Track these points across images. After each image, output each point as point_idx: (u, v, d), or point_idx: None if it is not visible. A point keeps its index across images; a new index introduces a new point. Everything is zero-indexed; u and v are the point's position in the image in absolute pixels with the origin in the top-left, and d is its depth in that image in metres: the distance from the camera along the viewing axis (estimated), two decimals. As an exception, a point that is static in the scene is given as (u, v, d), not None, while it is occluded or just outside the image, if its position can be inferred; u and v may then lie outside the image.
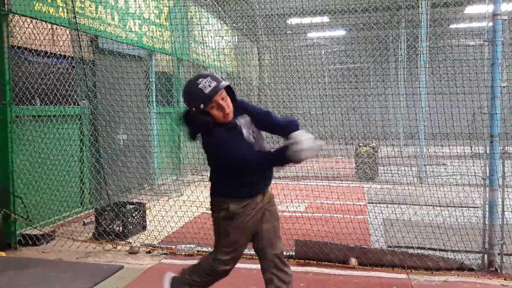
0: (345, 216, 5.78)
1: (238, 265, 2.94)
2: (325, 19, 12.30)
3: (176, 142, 8.86)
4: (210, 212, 2.84)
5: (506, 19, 4.04)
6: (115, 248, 4.97)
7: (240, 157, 2.57)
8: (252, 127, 2.71)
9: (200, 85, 2.51)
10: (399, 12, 12.41)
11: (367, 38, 13.08)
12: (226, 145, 2.57)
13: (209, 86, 2.50)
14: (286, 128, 2.62)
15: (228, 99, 2.61)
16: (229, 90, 2.64)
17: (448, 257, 4.25)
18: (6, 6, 4.96)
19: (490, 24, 4.08)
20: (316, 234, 4.95)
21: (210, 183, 2.85)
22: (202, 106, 2.52)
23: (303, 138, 2.48)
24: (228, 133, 2.59)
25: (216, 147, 2.61)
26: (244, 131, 2.65)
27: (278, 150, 2.61)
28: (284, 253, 3.88)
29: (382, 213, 5.63)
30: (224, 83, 2.57)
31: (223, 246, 2.77)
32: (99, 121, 5.97)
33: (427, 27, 8.73)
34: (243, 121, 2.69)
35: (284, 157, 2.53)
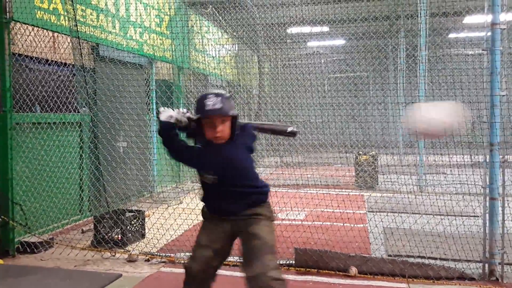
0: (345, 224, 5.76)
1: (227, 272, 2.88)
2: (325, 28, 12.37)
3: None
4: None
5: (504, 29, 4.06)
6: (114, 256, 4.94)
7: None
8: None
9: (206, 100, 2.59)
10: (398, 22, 12.49)
11: (367, 47, 13.16)
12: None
13: (213, 105, 2.56)
14: None
15: (227, 128, 2.63)
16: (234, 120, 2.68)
17: (449, 266, 4.23)
18: (7, 14, 4.98)
19: (489, 33, 4.11)
20: (316, 243, 4.93)
21: None
22: (197, 116, 2.65)
23: None
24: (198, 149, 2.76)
25: None
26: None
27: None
28: (282, 262, 3.82)
29: (382, 221, 5.61)
30: (228, 112, 2.60)
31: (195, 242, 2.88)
32: (99, 129, 5.97)
33: (426, 36, 8.78)
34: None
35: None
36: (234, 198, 2.73)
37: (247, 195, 2.75)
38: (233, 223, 2.74)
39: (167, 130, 2.76)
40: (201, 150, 2.75)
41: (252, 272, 2.54)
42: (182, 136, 2.86)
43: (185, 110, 2.76)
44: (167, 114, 2.73)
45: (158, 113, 2.79)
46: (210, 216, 2.82)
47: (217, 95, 2.61)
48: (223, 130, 2.62)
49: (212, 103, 2.56)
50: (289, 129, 2.91)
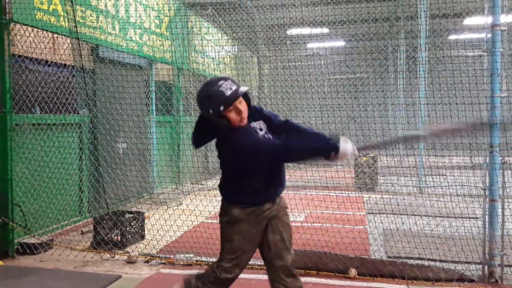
0: (344, 226, 5.76)
1: (247, 275, 2.91)
2: (325, 29, 12.37)
3: (176, 151, 8.85)
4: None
5: (505, 30, 4.06)
6: (113, 257, 4.94)
7: (267, 146, 2.57)
8: (268, 133, 2.71)
9: (222, 87, 2.48)
10: (399, 23, 12.50)
11: (367, 49, 13.16)
12: (250, 139, 2.56)
13: (230, 89, 2.49)
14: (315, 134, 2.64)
15: (245, 104, 2.60)
16: (245, 95, 2.63)
17: (448, 268, 4.23)
18: (7, 15, 4.99)
19: (489, 35, 4.11)
20: (315, 244, 4.92)
21: (219, 190, 2.86)
22: (222, 108, 2.49)
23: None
24: (247, 132, 2.60)
25: (235, 151, 2.60)
26: (260, 134, 2.66)
27: (320, 138, 2.57)
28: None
29: (382, 223, 5.60)
30: (243, 88, 2.55)
31: (226, 252, 2.75)
32: (98, 130, 5.97)
33: (426, 37, 8.78)
34: (258, 126, 2.70)
35: (327, 146, 2.49)
36: (280, 176, 2.77)
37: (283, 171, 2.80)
38: (273, 209, 2.74)
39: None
40: (259, 136, 2.65)
41: (283, 262, 2.71)
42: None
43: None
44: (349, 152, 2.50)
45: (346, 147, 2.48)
46: (246, 217, 2.68)
47: (224, 79, 2.54)
48: (245, 108, 2.59)
49: (228, 87, 2.49)
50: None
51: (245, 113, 2.58)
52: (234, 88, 2.50)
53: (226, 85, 2.49)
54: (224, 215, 2.76)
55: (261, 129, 2.70)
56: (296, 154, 2.63)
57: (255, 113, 2.73)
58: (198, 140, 2.76)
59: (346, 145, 2.47)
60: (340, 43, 14.80)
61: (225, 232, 2.76)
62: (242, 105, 2.56)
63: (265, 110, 2.81)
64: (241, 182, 2.67)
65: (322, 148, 2.52)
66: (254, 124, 2.69)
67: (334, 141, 2.49)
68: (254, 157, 2.54)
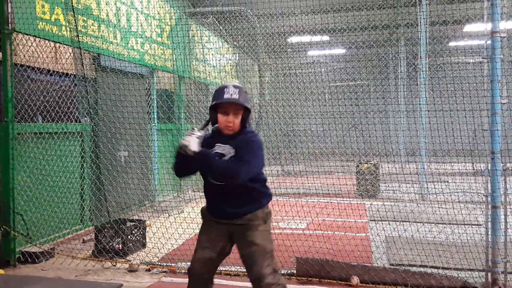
0: (346, 233, 5.74)
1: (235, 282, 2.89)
2: (325, 37, 12.43)
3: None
4: None
5: (504, 37, 4.08)
6: (115, 266, 4.92)
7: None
8: (227, 157, 2.75)
9: (226, 88, 2.70)
10: (398, 30, 12.55)
11: (367, 56, 13.21)
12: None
13: (231, 95, 2.68)
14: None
15: (238, 120, 2.71)
16: (246, 114, 2.74)
17: (451, 275, 4.20)
18: (10, 25, 5.02)
19: (489, 41, 4.12)
20: (317, 252, 4.90)
21: None
22: (214, 103, 2.72)
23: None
24: (208, 137, 2.79)
25: None
26: (213, 150, 2.74)
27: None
28: (284, 271, 3.85)
29: (384, 230, 5.58)
30: (245, 103, 2.69)
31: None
32: (100, 138, 5.99)
33: (426, 44, 8.81)
34: (224, 149, 2.74)
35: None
36: (236, 199, 2.76)
37: (245, 199, 2.77)
38: (230, 227, 2.80)
39: (207, 157, 2.68)
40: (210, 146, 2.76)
41: (251, 276, 2.75)
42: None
43: (197, 129, 2.73)
44: (196, 143, 2.67)
45: (183, 147, 2.66)
46: (209, 218, 2.87)
47: (235, 86, 2.72)
48: (235, 121, 2.71)
49: (231, 91, 2.68)
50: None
51: (231, 125, 2.70)
52: (234, 96, 2.67)
53: (231, 90, 2.70)
54: (201, 209, 3.00)
55: (222, 152, 2.73)
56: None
57: (243, 138, 2.75)
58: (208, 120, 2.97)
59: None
60: (341, 50, 14.86)
61: None
62: (233, 117, 2.69)
63: (251, 141, 2.76)
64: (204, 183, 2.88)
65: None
66: (221, 146, 2.74)
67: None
68: None
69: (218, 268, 2.96)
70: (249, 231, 2.76)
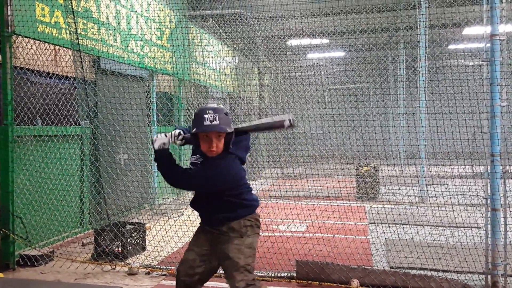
0: (346, 236, 5.73)
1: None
2: (325, 40, 12.45)
3: (177, 162, 8.85)
4: None
5: (504, 40, 4.08)
6: (114, 269, 4.91)
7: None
8: None
9: (206, 115, 2.61)
10: (398, 33, 12.57)
11: (366, 59, 13.23)
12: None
13: (211, 121, 2.59)
14: None
15: (221, 144, 2.68)
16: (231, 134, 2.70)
17: (451, 278, 4.20)
18: (9, 28, 5.03)
19: (488, 44, 4.13)
20: (317, 255, 4.90)
21: None
22: (194, 130, 2.67)
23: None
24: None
25: None
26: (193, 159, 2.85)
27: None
28: (284, 274, 3.86)
29: (384, 233, 5.58)
30: (226, 128, 2.61)
31: None
32: (100, 141, 5.98)
33: (425, 47, 8.82)
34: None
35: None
36: (219, 208, 2.80)
37: (232, 207, 2.81)
38: (211, 235, 2.86)
39: (161, 158, 2.78)
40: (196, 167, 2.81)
41: (231, 285, 2.76)
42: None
43: (177, 132, 2.75)
44: (160, 142, 2.75)
45: (152, 141, 2.81)
46: (201, 223, 2.97)
47: (215, 111, 2.62)
48: (218, 145, 2.67)
49: (210, 119, 2.59)
50: (286, 123, 2.77)
51: (215, 149, 2.65)
52: (215, 122, 2.59)
53: (211, 115, 2.60)
54: None
55: (196, 162, 2.83)
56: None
57: (238, 149, 2.79)
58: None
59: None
60: (340, 53, 14.88)
61: None
62: (216, 141, 2.64)
63: (217, 163, 2.74)
64: None
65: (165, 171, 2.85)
66: (199, 157, 2.81)
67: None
68: None
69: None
70: (225, 244, 2.79)
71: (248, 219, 2.83)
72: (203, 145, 2.69)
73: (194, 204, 2.93)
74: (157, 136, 2.78)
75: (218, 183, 2.70)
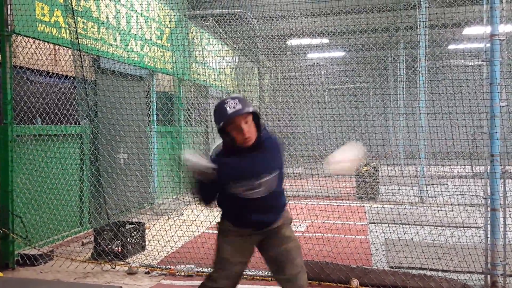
0: (346, 236, 5.73)
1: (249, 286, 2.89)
2: (325, 40, 12.45)
3: (177, 161, 8.85)
4: None
5: (504, 40, 4.08)
6: (114, 268, 4.91)
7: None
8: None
9: (226, 104, 2.55)
10: (398, 33, 12.57)
11: (366, 59, 13.22)
12: (224, 164, 2.60)
13: (234, 107, 2.53)
14: None
15: (252, 126, 2.59)
16: (256, 117, 2.63)
17: (451, 278, 4.20)
18: (9, 27, 5.03)
19: (488, 44, 4.13)
20: (317, 254, 4.90)
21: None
22: (221, 124, 2.55)
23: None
24: (234, 157, 2.62)
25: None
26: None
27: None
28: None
29: (383, 232, 5.58)
30: (250, 108, 2.56)
31: (214, 261, 2.80)
32: (99, 140, 5.98)
33: (425, 47, 8.82)
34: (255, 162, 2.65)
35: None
36: (268, 208, 2.71)
37: (278, 204, 2.77)
38: (260, 236, 2.75)
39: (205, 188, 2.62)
40: (232, 161, 2.62)
41: (286, 273, 2.69)
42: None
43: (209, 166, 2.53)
44: (199, 165, 2.51)
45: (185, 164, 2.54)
46: (235, 231, 2.74)
47: (233, 98, 2.59)
48: (250, 130, 2.57)
49: (232, 105, 2.54)
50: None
51: (248, 134, 2.55)
52: (238, 107, 2.53)
53: (231, 103, 2.54)
54: (218, 224, 2.85)
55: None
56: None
57: (269, 142, 2.69)
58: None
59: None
60: (340, 53, 14.88)
61: (217, 241, 2.82)
62: (247, 126, 2.55)
63: (280, 147, 2.76)
64: (222, 197, 2.74)
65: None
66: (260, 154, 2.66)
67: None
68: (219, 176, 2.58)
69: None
70: (282, 229, 2.76)
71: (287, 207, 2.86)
72: (237, 136, 2.55)
73: (234, 216, 2.73)
74: (191, 159, 2.53)
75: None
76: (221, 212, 2.82)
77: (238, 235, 2.74)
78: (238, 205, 2.69)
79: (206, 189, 2.64)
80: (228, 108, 2.53)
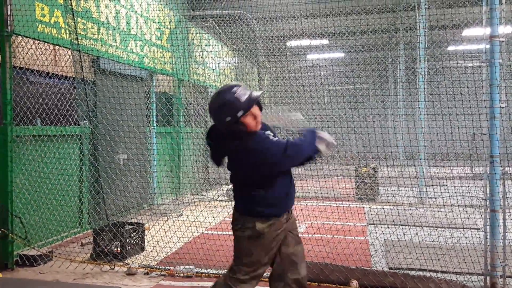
0: (346, 237, 5.73)
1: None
2: (324, 41, 12.46)
3: (176, 162, 8.85)
4: (232, 230, 2.81)
5: (503, 41, 4.09)
6: (113, 269, 4.91)
7: (280, 150, 2.57)
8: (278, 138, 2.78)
9: (236, 94, 2.53)
10: (398, 34, 12.58)
11: (366, 60, 13.24)
12: (267, 143, 2.59)
13: (244, 94, 2.54)
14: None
15: (257, 108, 2.65)
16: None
17: (450, 279, 4.20)
18: (9, 27, 5.03)
19: (488, 46, 4.13)
20: (316, 255, 4.89)
21: (235, 200, 2.83)
22: (240, 114, 2.53)
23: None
24: (263, 137, 2.64)
25: (256, 151, 2.58)
26: (273, 139, 2.68)
27: (307, 134, 2.72)
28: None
29: (383, 233, 5.58)
30: (257, 93, 2.61)
31: (244, 265, 2.72)
32: (99, 141, 5.98)
33: (425, 48, 8.83)
34: (270, 133, 2.74)
35: (315, 139, 2.66)
36: (293, 184, 2.81)
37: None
38: (289, 222, 2.78)
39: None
40: (275, 140, 2.68)
41: (299, 274, 2.75)
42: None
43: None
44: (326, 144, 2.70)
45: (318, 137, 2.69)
46: (278, 227, 2.70)
47: (237, 86, 2.59)
48: (259, 113, 2.65)
49: (242, 93, 2.54)
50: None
51: (259, 117, 2.63)
52: (248, 93, 2.55)
53: (240, 91, 2.54)
54: (244, 230, 2.70)
55: (274, 135, 2.74)
56: (293, 160, 2.68)
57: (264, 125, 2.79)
58: (217, 154, 2.77)
59: (324, 143, 2.70)
60: (340, 54, 14.89)
61: (244, 245, 2.71)
62: (256, 110, 2.61)
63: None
64: (260, 192, 2.65)
65: (312, 156, 2.71)
66: (266, 132, 2.72)
67: (315, 145, 2.68)
68: (271, 160, 2.57)
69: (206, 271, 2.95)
70: (295, 227, 2.81)
71: None
72: (252, 122, 2.59)
73: (280, 197, 2.72)
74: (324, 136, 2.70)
75: None
76: (250, 213, 2.69)
77: (270, 235, 2.67)
78: (285, 184, 2.71)
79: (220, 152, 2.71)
80: (241, 97, 2.52)
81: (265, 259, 2.72)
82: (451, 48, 13.10)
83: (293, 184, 2.81)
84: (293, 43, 11.69)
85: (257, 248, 2.68)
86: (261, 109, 2.69)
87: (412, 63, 11.73)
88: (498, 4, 4.02)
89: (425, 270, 4.49)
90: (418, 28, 9.18)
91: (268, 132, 2.73)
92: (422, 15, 8.55)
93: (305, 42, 11.68)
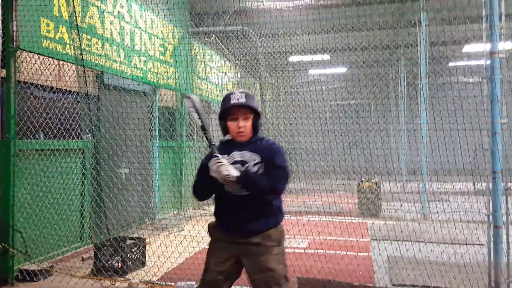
0: (348, 252, 5.69)
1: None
2: (326, 56, 12.56)
3: (178, 176, 8.85)
4: None
5: (503, 57, 4.12)
6: (114, 284, 4.87)
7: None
8: (251, 167, 2.62)
9: (232, 95, 2.68)
10: (399, 50, 12.68)
11: (367, 75, 13.32)
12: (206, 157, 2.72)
13: (237, 99, 2.65)
14: None
15: (249, 125, 2.67)
16: (257, 119, 2.71)
17: (454, 296, 4.15)
18: (14, 43, 5.09)
19: (488, 62, 4.16)
20: (319, 271, 4.86)
21: None
22: (220, 112, 2.70)
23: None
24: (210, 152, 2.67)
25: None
26: (226, 161, 2.57)
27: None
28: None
29: (386, 249, 5.54)
30: (253, 104, 2.66)
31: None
32: (101, 155, 6.00)
33: (426, 64, 8.89)
34: (244, 155, 2.64)
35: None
36: (255, 212, 2.61)
37: (264, 210, 2.64)
38: (241, 247, 2.63)
39: (249, 180, 2.56)
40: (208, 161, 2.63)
41: None
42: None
43: (220, 157, 2.56)
44: (232, 167, 2.54)
45: (227, 176, 2.49)
46: (219, 237, 2.72)
47: (241, 92, 2.70)
48: (246, 125, 2.66)
49: (237, 97, 2.66)
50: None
51: (244, 130, 2.65)
52: (242, 100, 2.64)
53: (237, 95, 2.67)
54: (208, 226, 2.87)
55: (239, 159, 2.64)
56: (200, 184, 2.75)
57: (260, 144, 2.69)
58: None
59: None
60: (341, 69, 14.99)
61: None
62: (244, 122, 2.66)
63: (277, 150, 2.67)
64: (217, 195, 2.79)
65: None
66: (242, 153, 2.64)
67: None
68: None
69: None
70: (263, 256, 2.59)
71: (281, 225, 2.71)
72: (232, 127, 2.66)
73: (220, 213, 2.72)
74: (222, 170, 2.49)
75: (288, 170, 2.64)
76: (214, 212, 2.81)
77: (220, 241, 2.71)
78: (225, 204, 2.68)
79: (207, 186, 2.69)
80: (232, 99, 2.65)
81: (212, 261, 2.71)
82: (451, 64, 13.19)
83: (236, 211, 2.63)
84: (295, 58, 11.78)
85: (209, 246, 2.81)
86: (256, 129, 2.72)
87: (413, 79, 11.80)
88: (497, 21, 4.06)
89: (428, 286, 4.45)
90: (419, 44, 9.25)
91: (238, 153, 2.68)
92: (422, 32, 8.63)
93: (306, 57, 11.78)
